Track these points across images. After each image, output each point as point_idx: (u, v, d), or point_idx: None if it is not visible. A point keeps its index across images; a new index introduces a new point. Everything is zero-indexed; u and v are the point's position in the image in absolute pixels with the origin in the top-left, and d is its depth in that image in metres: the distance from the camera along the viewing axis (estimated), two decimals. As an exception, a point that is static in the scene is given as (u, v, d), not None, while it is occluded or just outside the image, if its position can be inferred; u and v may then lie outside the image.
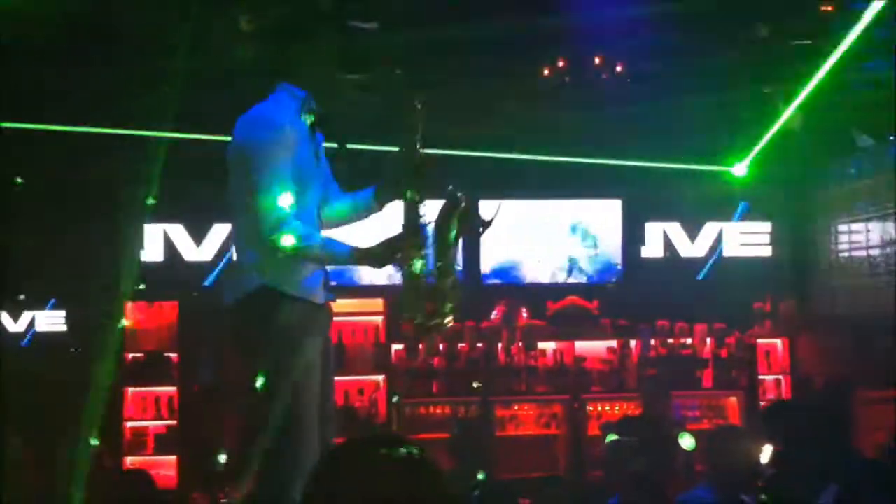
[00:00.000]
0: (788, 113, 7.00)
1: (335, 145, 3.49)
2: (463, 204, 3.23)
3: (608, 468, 5.84)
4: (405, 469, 1.63)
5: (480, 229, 3.36)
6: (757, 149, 7.67)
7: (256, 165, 3.17)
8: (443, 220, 3.22)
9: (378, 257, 3.27)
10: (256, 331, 3.21)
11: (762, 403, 8.52)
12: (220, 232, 8.09)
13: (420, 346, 7.87)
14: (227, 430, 7.48)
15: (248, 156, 3.20)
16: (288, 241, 3.14)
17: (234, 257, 3.33)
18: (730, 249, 8.83)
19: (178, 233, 8.21)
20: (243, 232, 3.30)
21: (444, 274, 3.22)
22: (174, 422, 8.07)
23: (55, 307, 8.23)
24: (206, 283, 3.34)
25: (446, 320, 3.27)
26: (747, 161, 8.19)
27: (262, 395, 3.20)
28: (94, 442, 5.84)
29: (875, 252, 7.78)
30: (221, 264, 3.41)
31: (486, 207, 3.38)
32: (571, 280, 8.62)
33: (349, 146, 3.49)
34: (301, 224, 3.19)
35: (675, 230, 8.79)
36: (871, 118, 7.23)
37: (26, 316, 8.26)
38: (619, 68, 5.95)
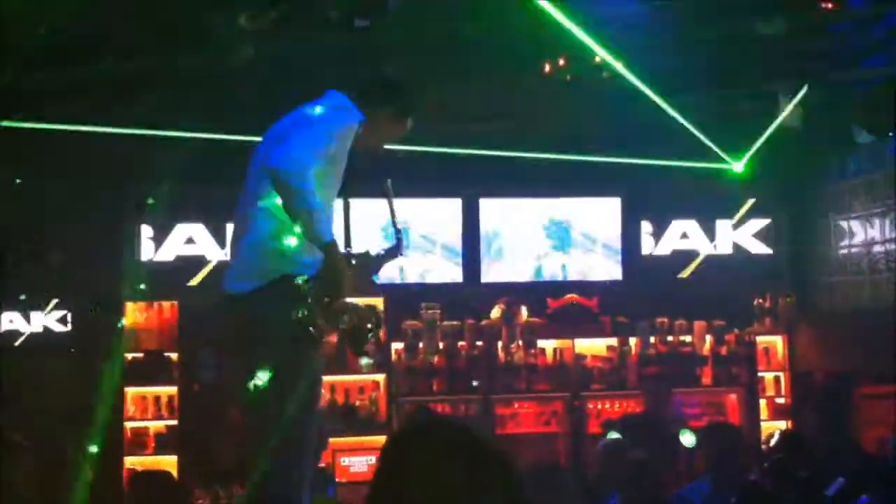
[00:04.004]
0: (788, 109, 7.00)
1: None
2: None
3: (603, 466, 5.86)
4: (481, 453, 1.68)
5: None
6: (756, 146, 7.68)
7: (323, 131, 3.27)
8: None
9: (336, 275, 3.27)
10: (279, 319, 3.23)
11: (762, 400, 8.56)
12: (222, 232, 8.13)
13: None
14: (229, 427, 7.48)
15: (313, 121, 3.30)
16: (302, 187, 3.13)
17: (248, 245, 3.33)
18: (729, 246, 8.85)
19: (179, 232, 8.24)
20: (267, 220, 3.29)
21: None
22: (174, 421, 8.06)
23: (55, 307, 8.22)
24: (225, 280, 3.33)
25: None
26: (746, 158, 8.20)
27: (285, 383, 3.23)
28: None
29: (874, 248, 7.80)
30: (230, 256, 3.41)
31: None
32: (571, 278, 8.63)
33: None
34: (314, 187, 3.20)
35: (674, 228, 8.80)
36: (871, 114, 7.24)
37: (26, 315, 8.26)
38: (619, 66, 5.95)
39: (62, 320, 8.25)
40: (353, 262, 3.44)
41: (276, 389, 3.22)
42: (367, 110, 3.47)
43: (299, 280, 3.23)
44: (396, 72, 3.73)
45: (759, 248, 8.90)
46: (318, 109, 3.38)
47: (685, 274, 8.63)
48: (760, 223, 8.89)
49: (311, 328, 3.23)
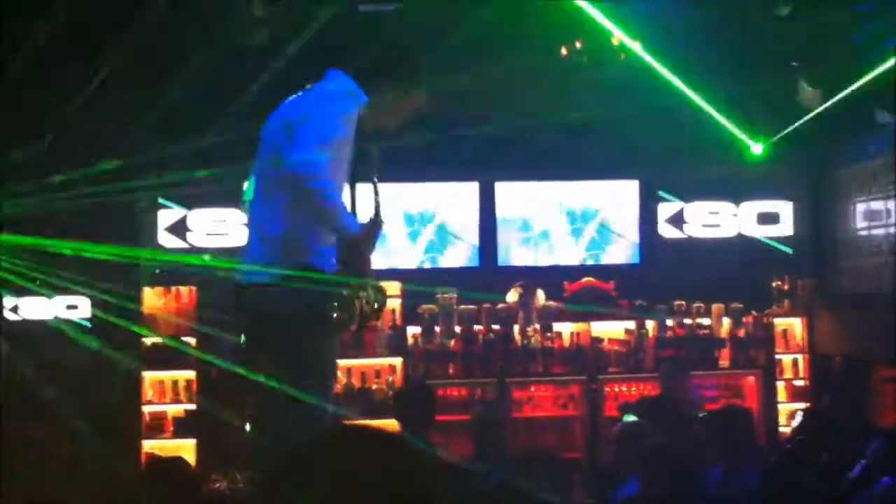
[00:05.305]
0: (808, 91, 6.94)
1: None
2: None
3: (620, 448, 5.84)
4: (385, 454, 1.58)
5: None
6: (782, 133, 7.60)
7: (333, 124, 3.27)
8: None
9: (362, 251, 3.34)
10: (302, 308, 3.25)
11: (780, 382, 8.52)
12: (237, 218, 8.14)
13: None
14: (246, 411, 7.50)
15: (321, 116, 3.29)
16: (323, 187, 3.16)
17: (268, 237, 3.35)
18: (747, 229, 8.79)
19: (197, 218, 8.25)
20: (286, 213, 3.31)
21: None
22: (193, 405, 8.10)
23: (73, 294, 8.24)
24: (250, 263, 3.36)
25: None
26: (765, 140, 8.15)
27: (305, 370, 3.25)
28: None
29: (894, 230, 7.73)
30: (253, 245, 3.46)
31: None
32: (588, 261, 8.60)
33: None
34: (336, 185, 3.25)
35: (692, 210, 8.75)
36: (891, 96, 7.15)
37: (45, 302, 8.28)
38: (636, 48, 5.90)
39: (79, 307, 8.26)
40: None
41: (296, 377, 3.23)
42: (369, 89, 3.46)
43: (341, 290, 3.28)
44: (402, 50, 3.68)
45: (779, 231, 8.83)
46: (324, 98, 3.37)
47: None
48: (780, 205, 8.82)
49: (350, 320, 3.30)
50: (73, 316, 8.22)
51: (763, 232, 8.78)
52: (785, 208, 8.81)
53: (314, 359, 3.29)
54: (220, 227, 8.30)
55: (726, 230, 8.77)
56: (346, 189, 3.47)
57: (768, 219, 8.81)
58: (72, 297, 8.21)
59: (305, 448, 1.56)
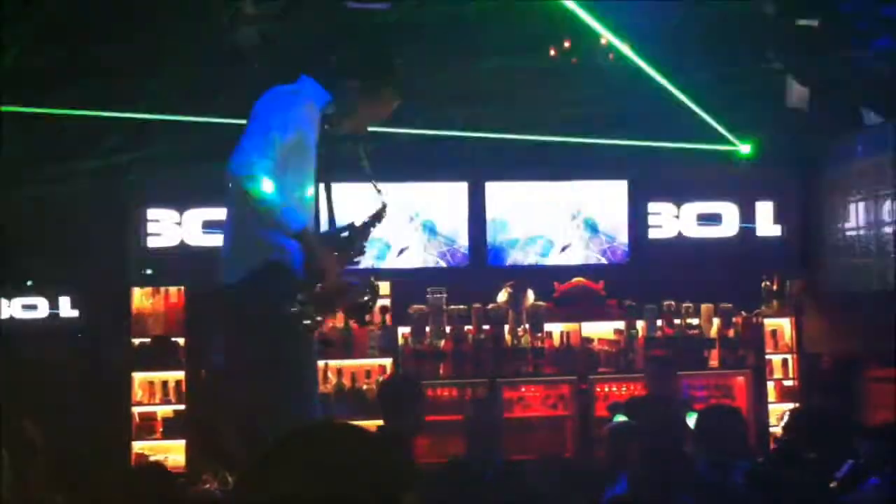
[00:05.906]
0: (795, 91, 6.95)
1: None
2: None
3: (610, 448, 5.84)
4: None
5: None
6: (764, 129, 7.63)
7: (272, 123, 3.26)
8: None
9: (317, 262, 3.31)
10: (265, 308, 3.27)
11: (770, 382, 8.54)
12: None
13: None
14: (236, 409, 7.48)
15: (264, 118, 3.29)
16: (255, 188, 3.15)
17: (232, 236, 3.38)
18: (736, 229, 8.81)
19: (185, 218, 8.23)
20: (244, 210, 3.31)
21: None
22: (182, 406, 8.07)
23: (61, 293, 8.21)
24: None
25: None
26: (754, 140, 8.16)
27: (281, 370, 3.25)
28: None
29: (883, 230, 7.76)
30: (226, 246, 3.48)
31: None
32: (578, 261, 8.60)
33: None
34: (277, 186, 3.21)
35: (681, 210, 8.77)
36: (879, 96, 7.18)
37: (36, 301, 8.25)
38: (625, 48, 5.92)
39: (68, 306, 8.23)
40: (342, 236, 3.50)
41: (273, 377, 3.24)
42: (336, 89, 3.45)
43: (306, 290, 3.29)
44: (376, 49, 3.69)
45: (767, 231, 8.85)
46: (271, 99, 3.38)
47: None
48: (768, 205, 8.85)
49: (307, 321, 3.28)
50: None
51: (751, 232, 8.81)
52: (773, 208, 8.82)
53: (283, 358, 3.29)
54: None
55: (716, 230, 8.78)
56: (314, 188, 3.48)
57: (756, 219, 8.82)
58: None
59: (276, 444, 1.56)
